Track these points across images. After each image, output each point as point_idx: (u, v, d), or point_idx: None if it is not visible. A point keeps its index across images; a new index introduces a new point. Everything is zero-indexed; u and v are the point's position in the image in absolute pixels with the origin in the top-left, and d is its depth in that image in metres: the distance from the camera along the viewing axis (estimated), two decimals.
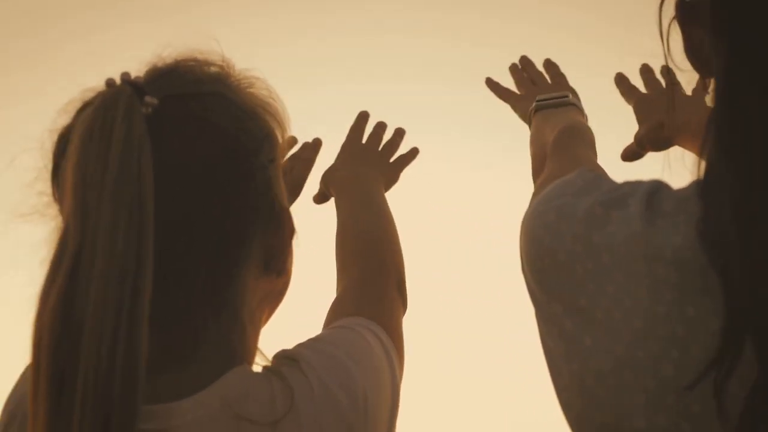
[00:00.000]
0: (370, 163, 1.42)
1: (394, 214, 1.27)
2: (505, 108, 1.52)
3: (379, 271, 1.13)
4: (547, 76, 1.52)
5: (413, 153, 1.50)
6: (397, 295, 1.13)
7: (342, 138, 1.48)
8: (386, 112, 1.54)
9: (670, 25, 0.83)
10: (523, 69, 1.55)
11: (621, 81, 1.48)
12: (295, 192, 1.40)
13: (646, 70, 1.47)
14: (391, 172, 1.45)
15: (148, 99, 0.80)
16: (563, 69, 1.52)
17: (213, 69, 0.88)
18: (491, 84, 1.55)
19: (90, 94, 0.84)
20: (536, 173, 1.26)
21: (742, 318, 0.64)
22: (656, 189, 0.73)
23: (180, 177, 0.81)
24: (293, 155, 1.46)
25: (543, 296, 0.77)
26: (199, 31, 0.90)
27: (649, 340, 0.69)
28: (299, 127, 1.02)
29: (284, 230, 0.90)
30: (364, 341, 0.95)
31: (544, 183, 1.09)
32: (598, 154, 1.27)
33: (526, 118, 1.44)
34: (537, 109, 1.40)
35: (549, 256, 0.75)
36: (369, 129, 1.49)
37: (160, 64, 0.87)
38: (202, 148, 0.83)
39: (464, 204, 2.25)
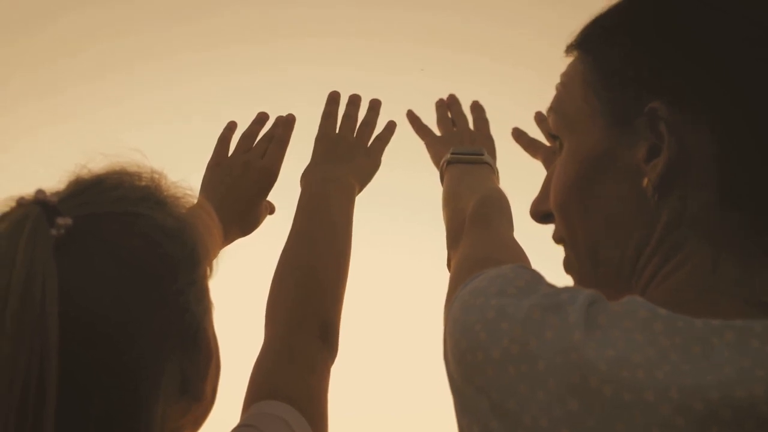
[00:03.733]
0: (346, 160, 1.35)
1: None
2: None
3: (303, 323, 1.11)
4: (470, 119, 1.51)
5: (390, 129, 1.45)
6: (321, 348, 1.11)
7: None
8: None
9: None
10: (448, 106, 1.54)
11: (520, 136, 1.49)
12: (269, 178, 1.34)
13: (542, 120, 1.48)
14: (370, 160, 1.39)
15: (60, 221, 0.77)
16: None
17: (141, 184, 0.85)
18: (411, 117, 1.54)
19: (3, 206, 0.80)
20: (452, 241, 1.26)
21: None
22: (593, 301, 0.74)
23: (86, 305, 0.77)
24: (265, 135, 1.40)
25: (469, 390, 0.76)
26: (120, 140, 0.87)
27: None
28: None
29: (202, 355, 0.86)
30: None
31: (465, 264, 1.08)
32: None
33: (437, 163, 1.44)
34: (450, 162, 1.40)
35: (483, 351, 0.75)
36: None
37: (84, 176, 0.84)
38: (111, 274, 0.79)
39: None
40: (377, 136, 1.44)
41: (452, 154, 1.41)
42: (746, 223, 0.76)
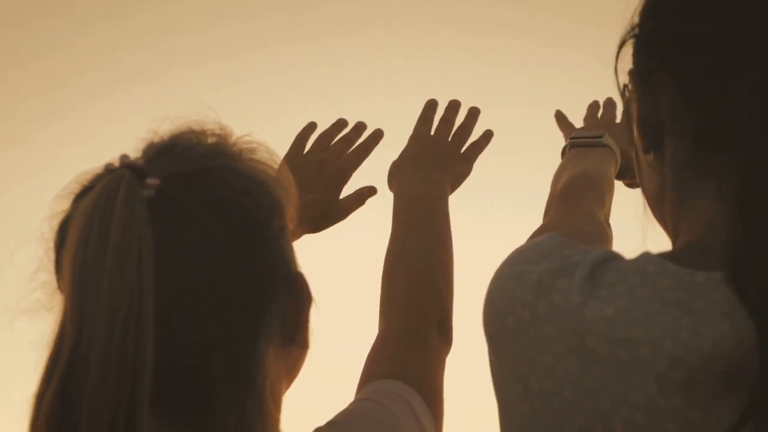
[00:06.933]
0: (440, 163, 1.32)
1: None
2: None
3: (421, 315, 1.12)
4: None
5: (487, 137, 1.40)
6: (439, 338, 1.12)
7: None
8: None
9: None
10: (601, 107, 1.52)
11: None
12: (340, 180, 1.33)
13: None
14: (463, 165, 1.36)
15: (149, 181, 0.77)
16: None
17: (212, 140, 0.85)
18: (559, 117, 1.52)
19: (87, 177, 0.81)
20: (545, 216, 1.24)
21: None
22: (603, 260, 0.73)
23: (190, 258, 0.79)
24: (343, 137, 1.37)
25: (494, 359, 0.77)
26: (188, 98, 0.87)
27: (577, 412, 0.70)
28: None
29: (301, 298, 0.87)
30: (391, 418, 0.96)
31: (534, 234, 1.08)
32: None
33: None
34: (571, 146, 1.39)
35: (500, 321, 0.76)
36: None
37: (157, 140, 0.84)
38: (212, 227, 0.80)
39: None
40: (473, 143, 1.39)
41: (571, 138, 1.40)
42: (725, 166, 0.73)
